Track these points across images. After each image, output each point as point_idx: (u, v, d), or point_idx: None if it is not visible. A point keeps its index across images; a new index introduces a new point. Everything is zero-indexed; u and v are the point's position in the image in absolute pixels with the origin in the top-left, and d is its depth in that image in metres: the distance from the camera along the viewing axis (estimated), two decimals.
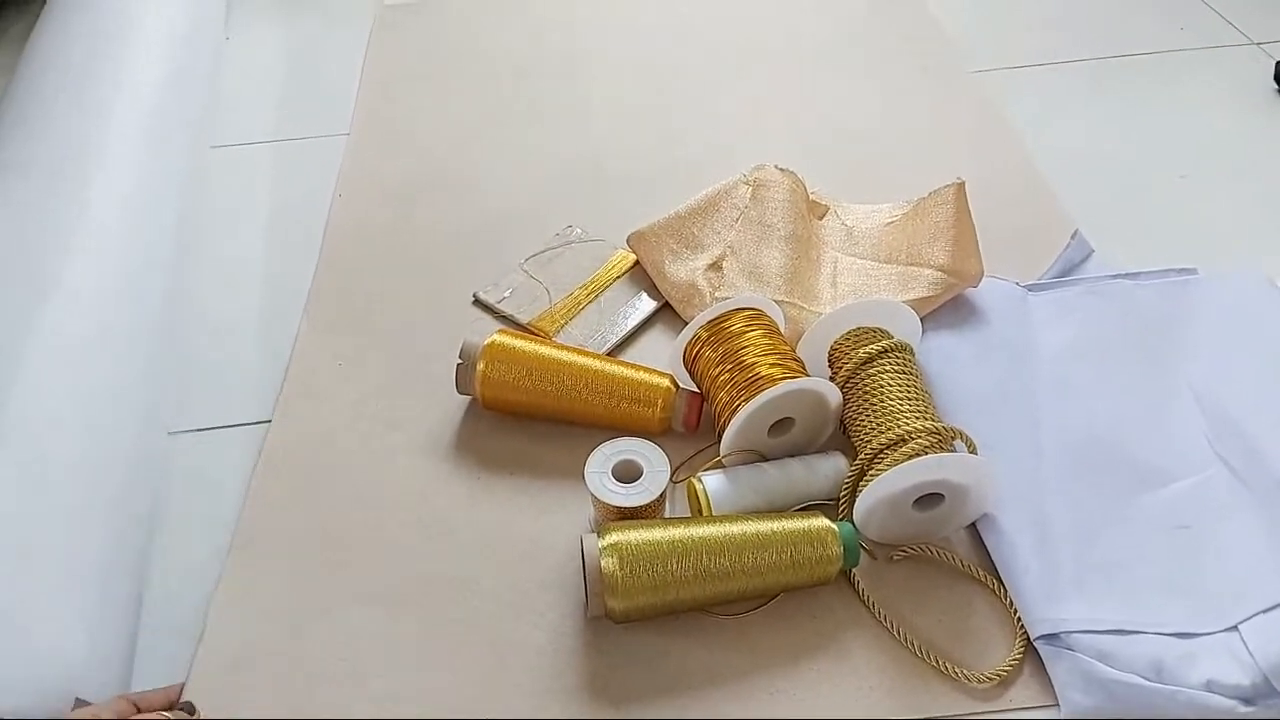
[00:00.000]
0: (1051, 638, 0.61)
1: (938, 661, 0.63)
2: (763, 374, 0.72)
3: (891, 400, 0.70)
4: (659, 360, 0.83)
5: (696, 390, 0.78)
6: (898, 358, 0.73)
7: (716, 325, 0.76)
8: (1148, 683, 0.58)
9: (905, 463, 0.65)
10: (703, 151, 1.08)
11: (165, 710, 0.56)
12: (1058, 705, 0.60)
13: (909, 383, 0.71)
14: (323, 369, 0.85)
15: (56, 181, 0.81)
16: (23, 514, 0.61)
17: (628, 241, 0.93)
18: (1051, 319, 0.84)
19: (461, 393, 0.80)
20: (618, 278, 0.93)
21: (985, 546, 0.68)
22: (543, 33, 1.29)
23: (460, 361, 0.79)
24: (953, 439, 0.68)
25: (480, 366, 0.78)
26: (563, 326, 0.89)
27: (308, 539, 0.72)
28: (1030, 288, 0.87)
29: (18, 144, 0.85)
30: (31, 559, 0.60)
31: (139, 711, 0.55)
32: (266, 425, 0.81)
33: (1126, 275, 0.87)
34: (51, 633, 0.58)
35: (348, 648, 0.66)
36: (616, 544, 0.63)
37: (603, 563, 0.63)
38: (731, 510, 0.69)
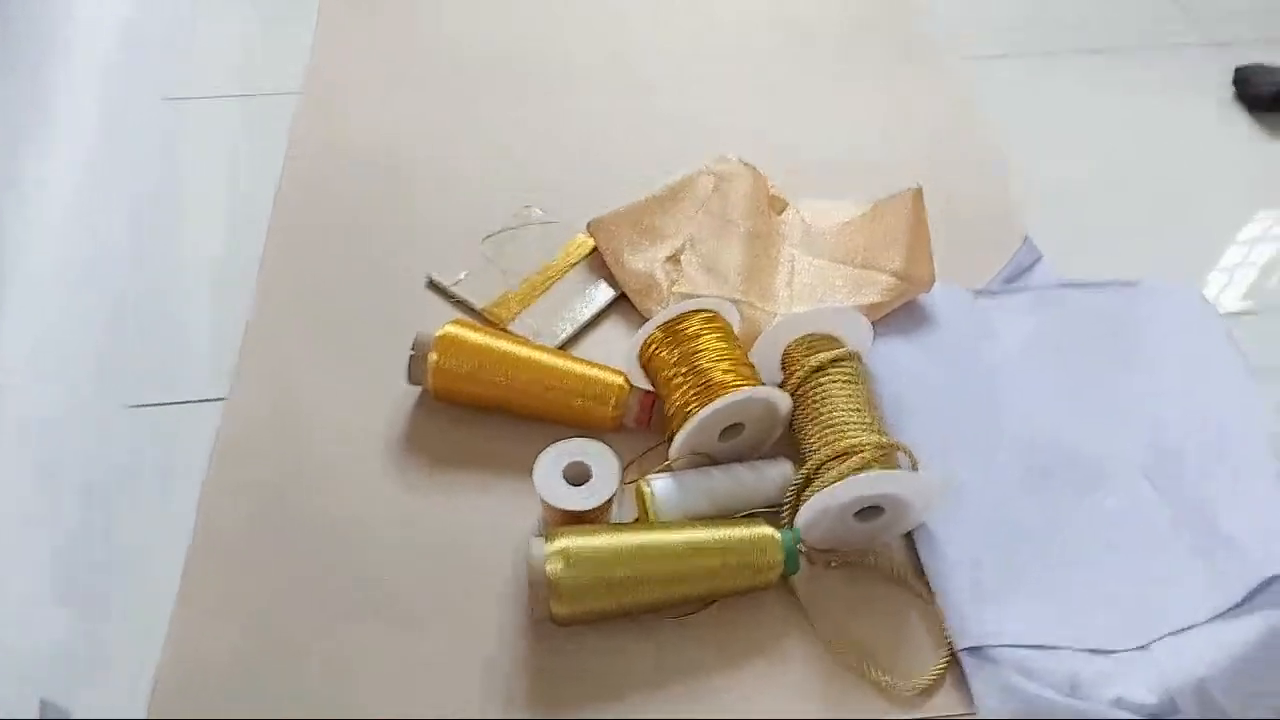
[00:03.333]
0: (975, 649, 0.65)
1: (868, 668, 0.65)
2: (716, 380, 0.72)
3: (839, 411, 0.71)
4: (614, 352, 0.83)
5: (649, 389, 0.79)
6: (847, 367, 0.74)
7: (672, 327, 0.76)
8: (1061, 698, 0.61)
9: (849, 477, 0.66)
10: (668, 133, 1.06)
11: None
12: (975, 713, 0.64)
13: (856, 393, 0.73)
14: (273, 352, 0.84)
15: (7, 139, 0.78)
16: None
17: (587, 228, 0.93)
18: (998, 326, 0.86)
19: (412, 383, 0.80)
20: (576, 264, 0.93)
21: (919, 554, 0.71)
22: (511, 3, 1.25)
23: (413, 353, 0.78)
24: (896, 452, 0.70)
25: (432, 358, 0.78)
26: (518, 314, 0.88)
27: (259, 541, 0.72)
28: (978, 293, 0.89)
29: None
30: None
31: None
32: (219, 403, 0.80)
33: (1072, 284, 0.89)
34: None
35: (292, 651, 0.66)
36: (563, 550, 0.64)
37: (548, 568, 0.64)
38: (678, 515, 0.70)
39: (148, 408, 0.79)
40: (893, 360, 0.82)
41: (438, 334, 0.78)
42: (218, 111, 1.07)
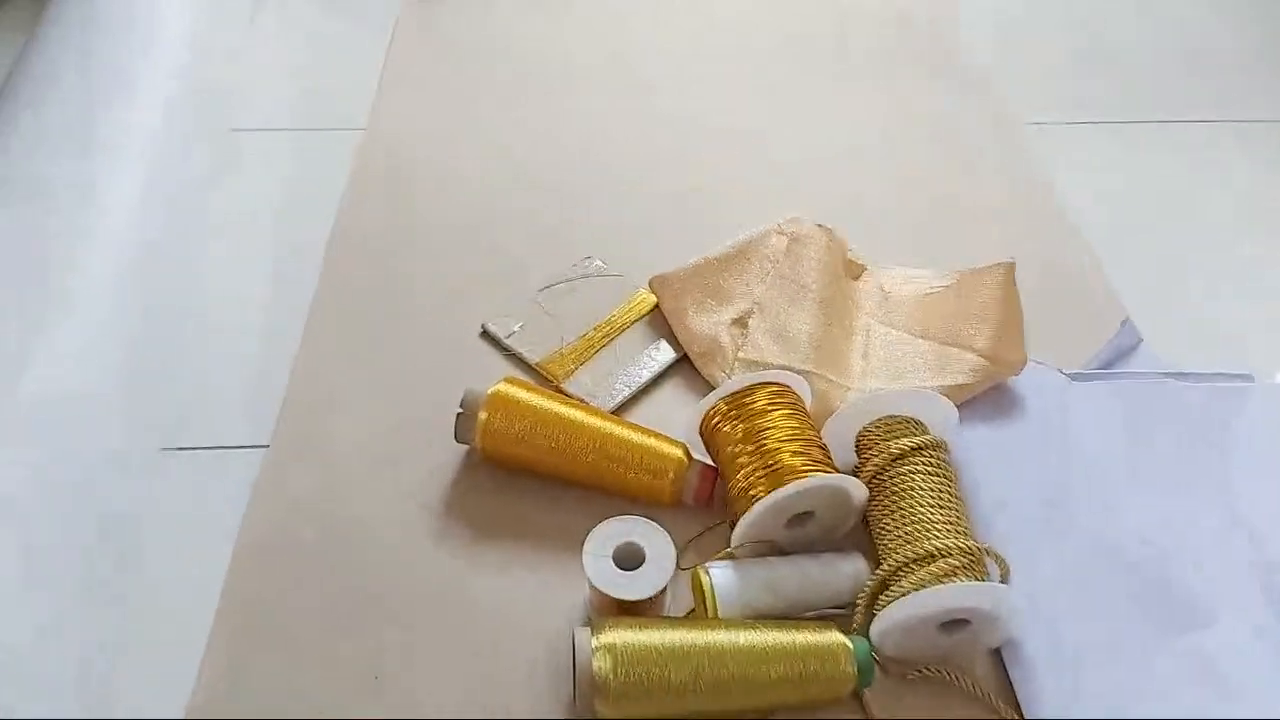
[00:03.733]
0: None
1: None
2: (785, 462, 0.66)
3: (922, 507, 0.65)
4: (671, 417, 0.78)
5: (711, 463, 0.73)
6: (931, 456, 0.68)
7: (738, 399, 0.71)
8: None
9: (933, 586, 0.60)
10: (736, 189, 1.01)
11: None
12: None
13: (941, 487, 0.66)
14: (317, 398, 0.80)
15: (64, 170, 0.77)
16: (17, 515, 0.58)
17: (650, 285, 0.88)
18: (1094, 415, 0.78)
19: (459, 441, 0.75)
20: (635, 320, 0.88)
21: (1007, 671, 0.64)
22: (574, 41, 1.22)
23: (461, 410, 0.74)
24: (985, 559, 0.63)
25: (482, 417, 0.73)
26: (573, 371, 0.83)
27: (291, 600, 0.67)
28: (1073, 376, 0.82)
29: (28, 124, 0.80)
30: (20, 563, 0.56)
31: None
32: (258, 450, 0.76)
33: (1176, 375, 0.81)
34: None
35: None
36: (611, 645, 0.58)
37: (595, 664, 0.58)
38: (738, 609, 0.64)
39: (185, 451, 0.75)
40: (975, 448, 0.75)
41: (489, 392, 0.74)
42: (276, 145, 1.05)
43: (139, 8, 0.98)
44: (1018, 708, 0.62)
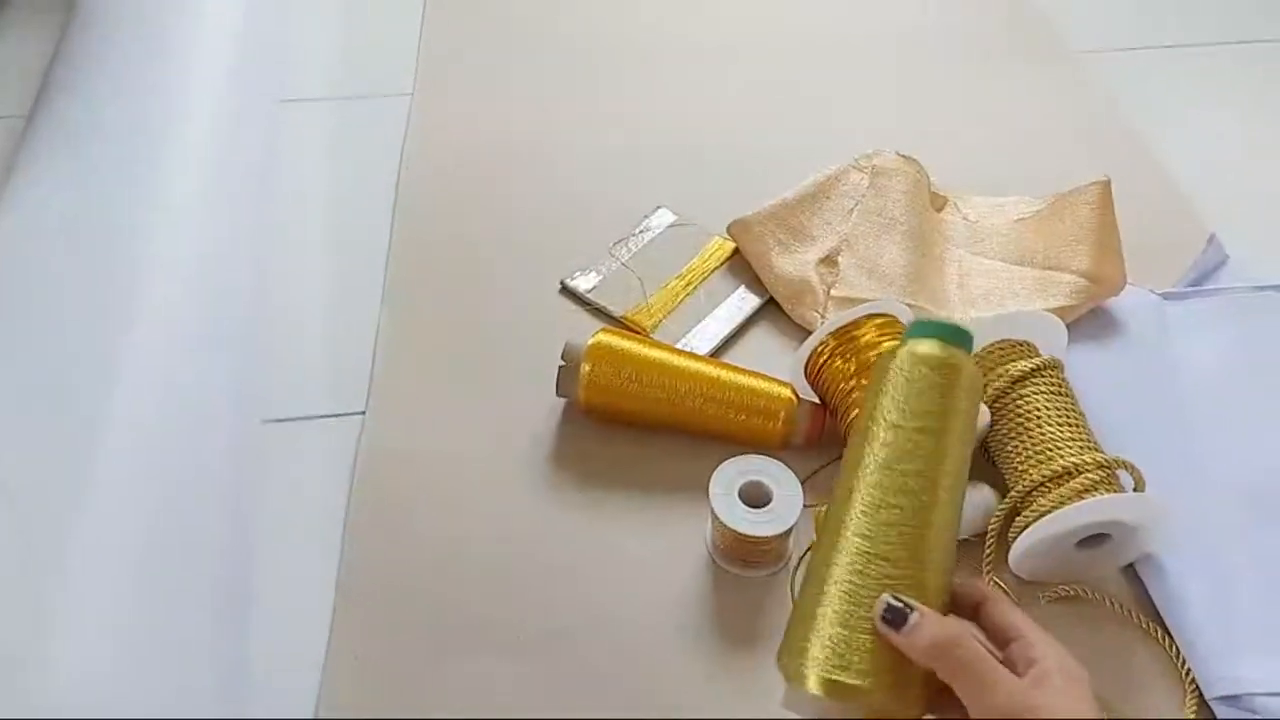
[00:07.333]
0: (1231, 699, 0.57)
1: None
2: None
3: (1049, 427, 0.64)
4: (763, 362, 0.77)
5: (818, 401, 0.72)
6: (1051, 376, 0.67)
7: (846, 334, 0.70)
8: None
9: (1076, 502, 0.59)
10: (795, 134, 0.99)
11: None
12: None
13: (1065, 405, 0.65)
14: (405, 366, 0.79)
15: (131, 147, 0.75)
16: (129, 512, 0.56)
17: (728, 230, 0.86)
18: (1192, 333, 0.78)
19: (561, 395, 0.74)
20: (715, 268, 0.87)
21: (1145, 588, 0.63)
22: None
23: (563, 363, 0.72)
24: (1119, 472, 0.63)
25: (585, 369, 0.72)
26: (660, 322, 0.82)
27: (407, 575, 0.66)
28: (1165, 296, 0.81)
29: (86, 103, 0.78)
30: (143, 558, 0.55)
31: None
32: (349, 418, 0.74)
33: (1272, 287, 0.81)
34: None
35: (445, 696, 0.60)
36: None
37: None
38: None
39: (282, 423, 0.74)
40: (1083, 371, 0.73)
41: (590, 342, 0.72)
42: (330, 114, 1.03)
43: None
44: (1162, 625, 0.62)
